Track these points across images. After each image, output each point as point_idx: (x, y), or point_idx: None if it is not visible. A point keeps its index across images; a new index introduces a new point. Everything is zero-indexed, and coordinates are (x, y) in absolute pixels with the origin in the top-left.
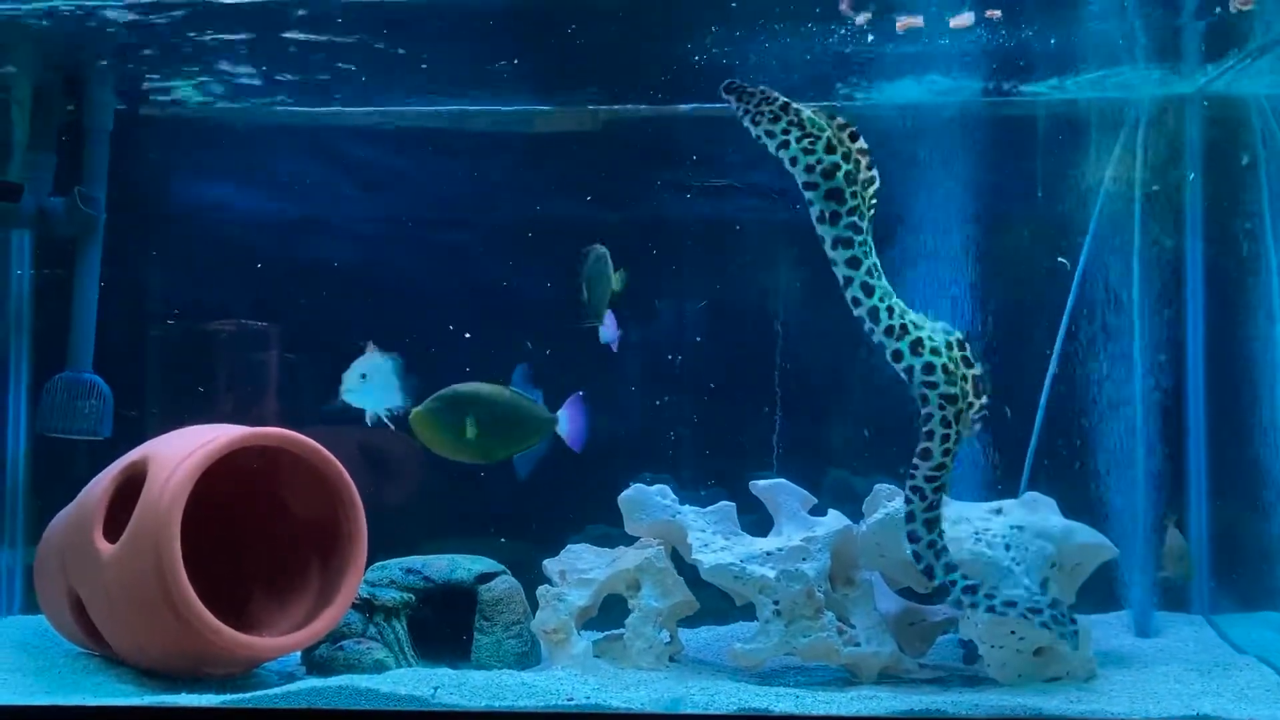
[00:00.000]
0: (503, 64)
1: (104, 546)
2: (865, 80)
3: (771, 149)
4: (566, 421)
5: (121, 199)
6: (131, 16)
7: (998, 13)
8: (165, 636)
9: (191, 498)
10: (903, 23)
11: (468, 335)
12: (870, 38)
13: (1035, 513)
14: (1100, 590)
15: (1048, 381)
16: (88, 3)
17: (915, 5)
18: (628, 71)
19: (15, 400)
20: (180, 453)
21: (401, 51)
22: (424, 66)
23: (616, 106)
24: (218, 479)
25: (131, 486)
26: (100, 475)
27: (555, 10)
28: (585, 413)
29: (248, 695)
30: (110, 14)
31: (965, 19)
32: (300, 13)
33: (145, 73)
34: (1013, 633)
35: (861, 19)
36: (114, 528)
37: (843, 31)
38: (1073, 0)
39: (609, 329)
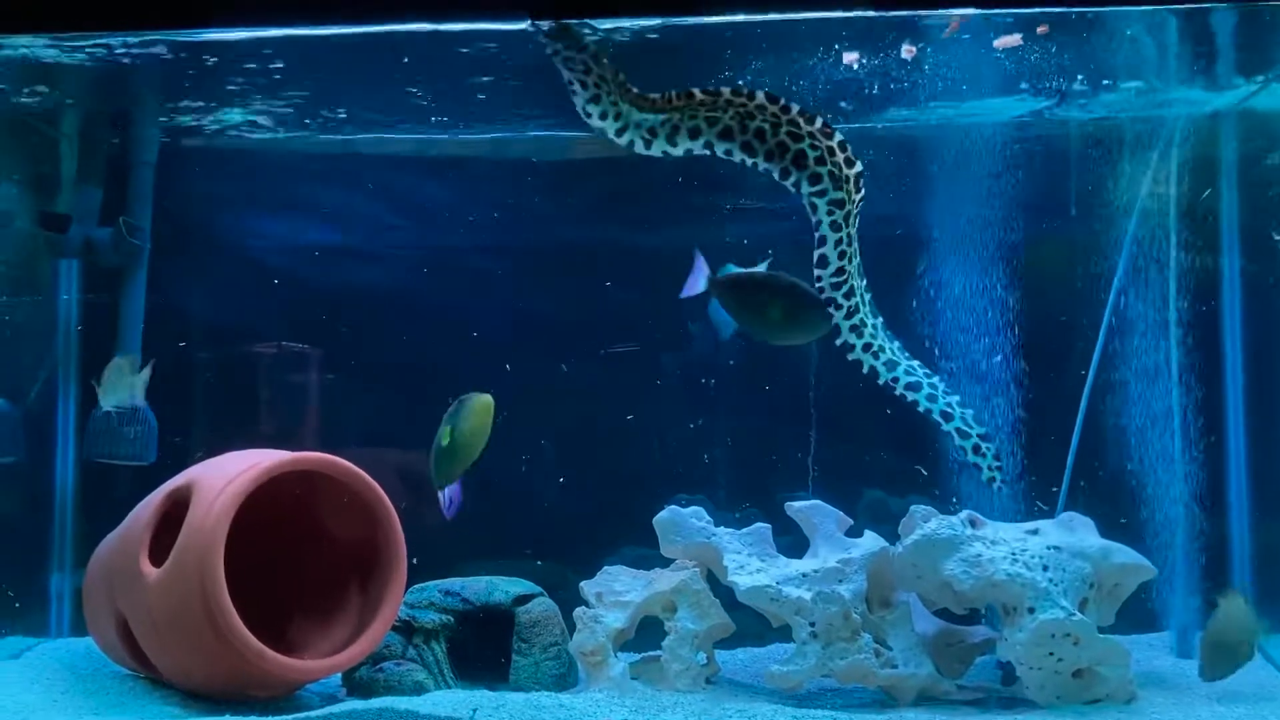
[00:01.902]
0: (534, 91)
1: (149, 570)
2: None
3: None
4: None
5: (165, 228)
6: (172, 54)
7: (1045, 28)
8: (209, 659)
9: (234, 522)
10: (1002, 41)
11: (507, 366)
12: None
13: (1073, 533)
14: (1141, 611)
15: (1084, 400)
16: (131, 44)
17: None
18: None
19: (64, 426)
20: (224, 478)
21: (437, 82)
22: (462, 95)
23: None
24: (260, 503)
25: (176, 511)
26: (146, 500)
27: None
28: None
29: (289, 717)
30: (156, 51)
31: (1013, 39)
32: (338, 44)
33: (187, 106)
34: (1051, 654)
35: (906, 52)
36: (159, 552)
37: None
38: (1106, 19)
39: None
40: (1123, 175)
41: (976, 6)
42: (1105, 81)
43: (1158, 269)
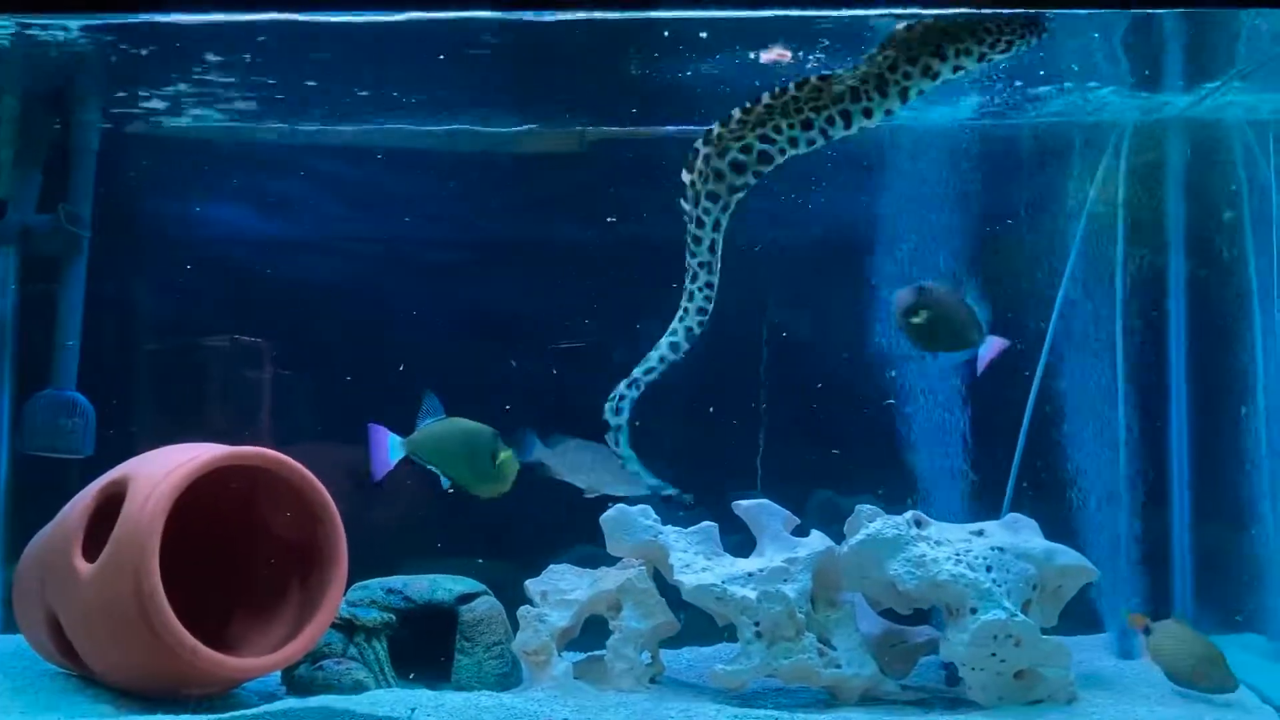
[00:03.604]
0: (490, 85)
1: (82, 566)
2: None
3: None
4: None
5: (106, 217)
6: (114, 37)
7: None
8: (143, 656)
9: (171, 517)
10: None
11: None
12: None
13: (1017, 534)
14: (1083, 612)
15: (1030, 402)
16: (73, 27)
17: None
18: (615, 92)
19: None
20: (160, 472)
21: (388, 72)
22: (410, 87)
23: (605, 128)
24: (198, 498)
25: (111, 506)
26: (80, 494)
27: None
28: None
29: (225, 716)
30: (99, 34)
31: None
32: (286, 32)
33: (130, 92)
34: (994, 655)
35: None
36: (93, 547)
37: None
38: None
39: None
40: (1071, 179)
41: (923, 6)
42: (1053, 86)
43: (1105, 273)
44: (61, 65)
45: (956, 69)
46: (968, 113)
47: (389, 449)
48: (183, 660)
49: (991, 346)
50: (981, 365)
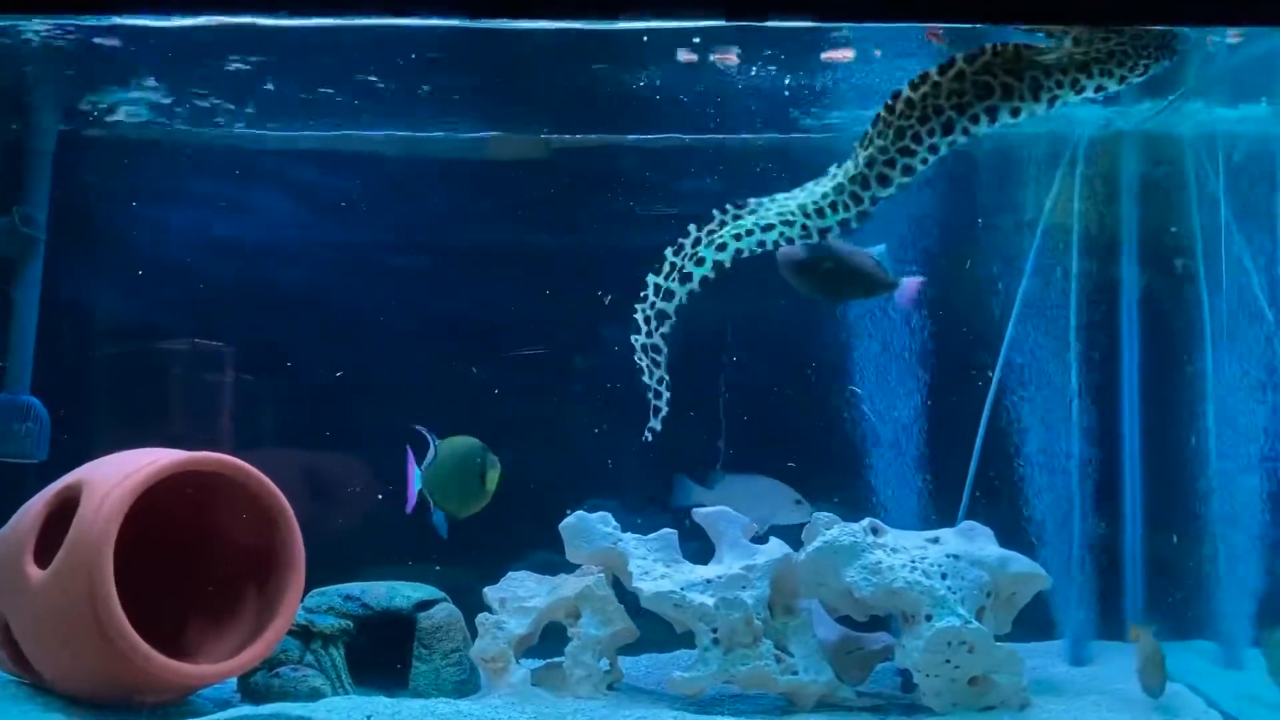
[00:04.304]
0: (453, 91)
1: (34, 572)
2: (818, 109)
3: None
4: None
5: (62, 219)
6: (73, 38)
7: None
8: (96, 664)
9: (126, 523)
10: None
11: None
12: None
13: (972, 542)
14: (1037, 619)
15: (985, 411)
16: (28, 27)
17: (863, 41)
18: (579, 100)
19: None
20: (115, 477)
21: (350, 77)
22: (371, 92)
23: (568, 135)
24: (154, 504)
25: (65, 511)
26: (33, 500)
27: (507, 39)
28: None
29: None
30: (56, 35)
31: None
32: (247, 36)
33: (87, 94)
34: (948, 661)
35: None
36: (45, 553)
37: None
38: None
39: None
40: (1027, 190)
41: (881, 20)
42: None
43: (1060, 283)
44: (17, 66)
45: (1099, 89)
46: None
47: (414, 480)
48: (137, 667)
49: (908, 284)
50: (906, 302)
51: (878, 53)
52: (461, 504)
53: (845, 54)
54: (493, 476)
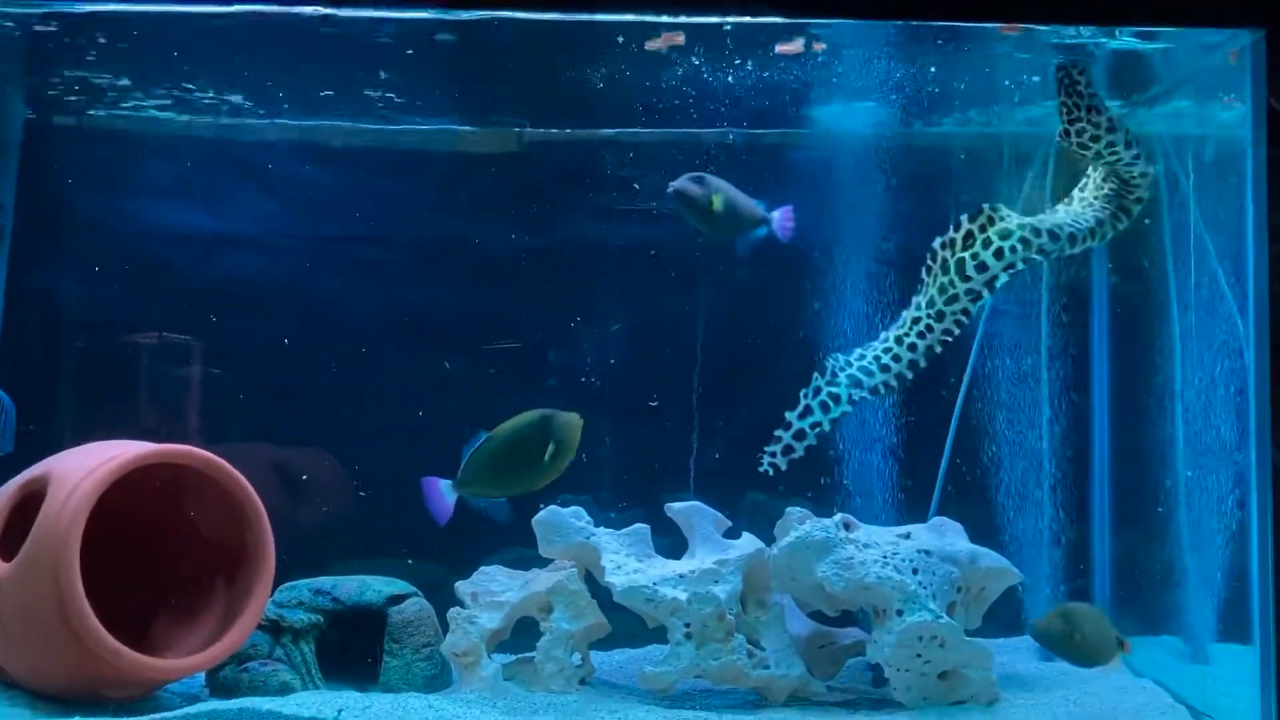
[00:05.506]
0: (431, 85)
1: None
2: (800, 105)
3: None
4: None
5: (28, 208)
6: (41, 26)
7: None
8: (62, 659)
9: (94, 516)
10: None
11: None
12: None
13: (943, 537)
14: (1007, 615)
15: (957, 407)
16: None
17: (838, 37)
18: (552, 95)
19: None
20: (82, 470)
21: (327, 70)
22: (349, 85)
23: (541, 130)
24: (122, 497)
25: (30, 504)
26: None
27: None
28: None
29: (146, 718)
30: (22, 20)
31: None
32: (220, 24)
33: (55, 81)
34: (919, 656)
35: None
36: (10, 546)
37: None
38: (984, 38)
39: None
40: (1000, 191)
41: (856, 18)
42: (981, 96)
43: (1030, 284)
44: None
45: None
46: (893, 121)
47: (443, 495)
48: (104, 662)
49: (781, 214)
50: (784, 232)
51: (853, 50)
52: (536, 480)
53: (818, 47)
54: (568, 434)
